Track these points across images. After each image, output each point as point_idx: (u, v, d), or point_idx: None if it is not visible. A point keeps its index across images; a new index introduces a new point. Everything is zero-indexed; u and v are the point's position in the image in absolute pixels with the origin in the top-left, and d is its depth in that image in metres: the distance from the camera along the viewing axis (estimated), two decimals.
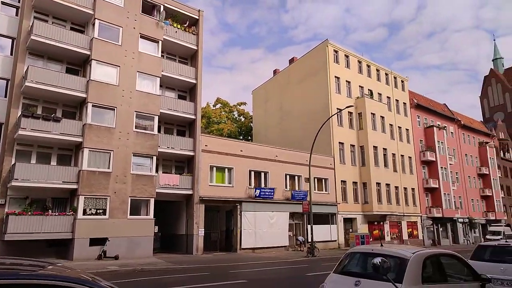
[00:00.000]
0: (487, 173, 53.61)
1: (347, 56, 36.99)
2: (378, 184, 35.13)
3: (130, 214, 20.36)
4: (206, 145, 24.44)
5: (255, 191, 26.24)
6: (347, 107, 25.42)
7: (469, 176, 51.08)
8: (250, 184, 26.64)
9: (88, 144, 19.49)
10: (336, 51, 36.01)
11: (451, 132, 49.80)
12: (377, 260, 3.71)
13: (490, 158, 54.97)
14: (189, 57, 26.87)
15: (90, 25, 21.76)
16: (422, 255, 4.48)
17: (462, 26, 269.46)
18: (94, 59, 20.62)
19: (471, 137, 54.19)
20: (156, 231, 22.91)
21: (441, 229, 43.86)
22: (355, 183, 34.57)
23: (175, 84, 25.50)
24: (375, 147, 35.64)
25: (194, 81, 25.33)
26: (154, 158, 21.88)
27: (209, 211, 24.77)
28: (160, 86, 23.91)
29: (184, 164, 25.23)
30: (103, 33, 21.30)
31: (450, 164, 46.11)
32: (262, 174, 27.72)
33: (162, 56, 24.70)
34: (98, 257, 18.46)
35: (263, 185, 27.51)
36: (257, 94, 45.64)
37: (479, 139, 55.98)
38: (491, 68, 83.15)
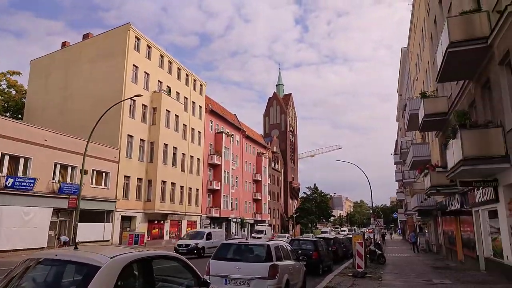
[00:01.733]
0: (260, 179, 62.03)
1: (149, 47, 35.30)
2: (163, 182, 34.62)
3: None
4: None
5: (7, 180, 20.90)
6: (136, 95, 23.50)
7: (246, 181, 57.68)
8: (1, 172, 21.08)
9: None
10: (138, 38, 33.76)
11: (237, 141, 55.11)
12: None
13: (264, 167, 63.93)
14: None
15: None
16: (123, 260, 3.35)
17: (259, 53, 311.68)
18: None
19: (252, 147, 61.63)
20: None
21: (217, 228, 47.29)
22: (140, 179, 32.91)
23: None
24: (166, 145, 35.10)
25: None
26: None
27: None
28: None
29: None
30: None
31: (232, 168, 50.72)
32: (22, 160, 22.47)
33: None
34: None
35: (21, 174, 22.31)
36: (38, 65, 37.89)
37: (258, 150, 64.37)
38: (274, 92, 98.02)
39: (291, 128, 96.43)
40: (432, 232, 27.91)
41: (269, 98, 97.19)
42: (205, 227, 44.17)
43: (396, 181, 63.19)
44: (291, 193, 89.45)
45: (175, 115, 37.03)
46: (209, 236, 24.07)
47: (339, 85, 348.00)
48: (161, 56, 37.23)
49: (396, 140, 59.56)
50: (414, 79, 31.80)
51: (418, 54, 28.23)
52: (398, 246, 39.89)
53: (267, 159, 67.31)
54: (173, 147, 36.39)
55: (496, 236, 11.52)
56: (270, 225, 64.53)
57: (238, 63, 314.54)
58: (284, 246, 8.75)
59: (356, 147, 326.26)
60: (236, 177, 53.61)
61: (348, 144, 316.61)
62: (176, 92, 39.40)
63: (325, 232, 59.78)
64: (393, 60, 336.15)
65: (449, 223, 19.99)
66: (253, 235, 46.32)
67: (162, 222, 35.68)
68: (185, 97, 41.20)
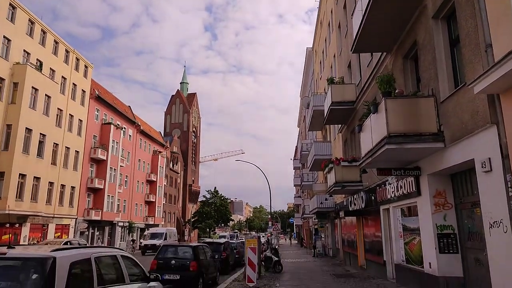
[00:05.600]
0: (155, 180, 56.40)
1: (13, 7, 27.98)
2: (22, 176, 27.61)
3: None
4: None
5: None
6: None
7: (138, 181, 51.59)
8: None
9: None
10: None
11: (129, 135, 48.96)
12: None
13: (160, 166, 58.45)
14: None
15: None
16: None
17: (166, 55, 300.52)
18: None
19: (147, 144, 55.76)
20: None
21: (97, 233, 40.68)
22: None
23: None
24: (29, 130, 28.15)
25: None
26: None
27: None
28: None
29: None
30: None
31: (121, 166, 44.50)
32: None
33: None
34: None
35: None
36: None
37: (155, 147, 58.69)
38: (178, 89, 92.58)
39: (194, 129, 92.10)
40: (329, 236, 26.87)
41: (172, 95, 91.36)
42: (81, 232, 37.40)
43: (294, 185, 63.82)
44: (190, 196, 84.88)
45: (46, 95, 30.16)
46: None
47: (244, 94, 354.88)
48: (31, 22, 30.05)
49: (296, 146, 60.14)
50: (318, 79, 31.02)
51: (323, 51, 27.29)
52: (294, 250, 38.91)
53: (165, 159, 62.04)
54: (40, 133, 29.48)
55: (411, 238, 9.55)
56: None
57: (143, 63, 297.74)
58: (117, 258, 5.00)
59: (258, 156, 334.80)
60: (126, 175, 47.37)
61: (250, 152, 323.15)
62: (51, 69, 32.40)
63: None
64: (295, 76, 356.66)
65: (349, 225, 18.51)
66: (141, 240, 41.12)
67: (18, 225, 28.43)
68: (63, 76, 34.26)
